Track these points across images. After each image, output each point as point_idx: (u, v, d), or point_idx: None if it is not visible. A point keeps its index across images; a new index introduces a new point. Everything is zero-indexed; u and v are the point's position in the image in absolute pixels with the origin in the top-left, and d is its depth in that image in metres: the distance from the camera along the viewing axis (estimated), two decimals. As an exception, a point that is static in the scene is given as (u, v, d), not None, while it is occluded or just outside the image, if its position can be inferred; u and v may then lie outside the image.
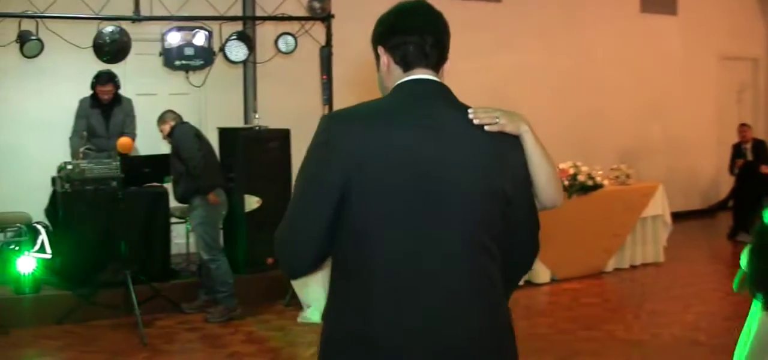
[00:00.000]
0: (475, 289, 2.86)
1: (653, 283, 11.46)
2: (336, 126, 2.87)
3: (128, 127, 10.50)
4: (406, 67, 2.99)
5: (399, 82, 2.99)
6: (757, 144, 14.73)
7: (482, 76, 13.40)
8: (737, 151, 14.87)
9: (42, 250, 9.80)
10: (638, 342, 8.61)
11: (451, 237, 2.83)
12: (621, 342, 8.63)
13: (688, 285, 10.19)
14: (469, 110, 2.90)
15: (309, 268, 2.92)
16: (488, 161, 2.89)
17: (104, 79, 10.22)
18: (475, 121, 2.88)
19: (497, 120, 2.89)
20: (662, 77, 16.72)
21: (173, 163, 9.48)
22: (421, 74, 2.99)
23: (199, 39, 10.40)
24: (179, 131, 9.43)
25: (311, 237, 2.83)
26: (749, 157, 14.56)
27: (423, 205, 2.81)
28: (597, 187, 11.53)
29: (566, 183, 11.26)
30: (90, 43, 9.95)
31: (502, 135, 2.89)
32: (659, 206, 12.38)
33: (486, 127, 2.88)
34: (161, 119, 9.66)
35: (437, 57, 3.03)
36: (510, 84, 14.23)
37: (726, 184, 16.08)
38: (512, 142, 2.93)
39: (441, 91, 3.00)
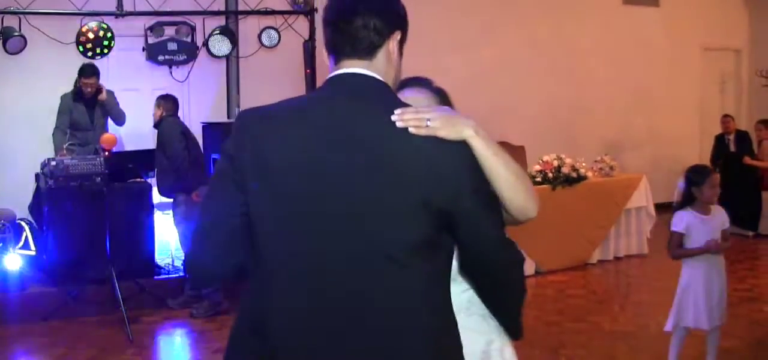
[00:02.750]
0: (380, 309, 2.64)
1: (638, 274, 11.52)
2: (241, 125, 2.78)
3: (115, 114, 10.47)
4: (334, 60, 2.78)
5: (327, 77, 2.79)
6: (740, 135, 14.77)
7: (467, 68, 13.41)
8: (720, 142, 14.91)
9: (27, 247, 9.77)
10: (625, 333, 8.64)
11: (356, 248, 2.62)
12: (608, 333, 8.65)
13: (673, 276, 9.98)
14: (396, 111, 2.58)
15: (212, 276, 2.91)
16: (406, 169, 2.58)
17: (88, 71, 10.20)
18: (399, 124, 2.55)
19: (427, 123, 2.56)
20: (645, 69, 16.75)
21: (157, 156, 9.47)
22: (348, 68, 2.74)
23: (183, 34, 10.38)
24: (166, 125, 9.40)
25: (212, 245, 2.77)
26: (732, 148, 14.59)
27: (326, 213, 2.63)
28: (581, 179, 11.54)
29: (550, 175, 11.28)
30: (73, 38, 9.92)
31: (434, 140, 2.56)
32: (643, 198, 12.43)
33: (412, 130, 2.55)
34: (157, 103, 9.63)
35: (365, 45, 2.73)
36: (493, 76, 14.26)
37: (709, 175, 16.09)
38: (450, 149, 2.57)
39: (365, 88, 2.73)
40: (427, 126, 2.55)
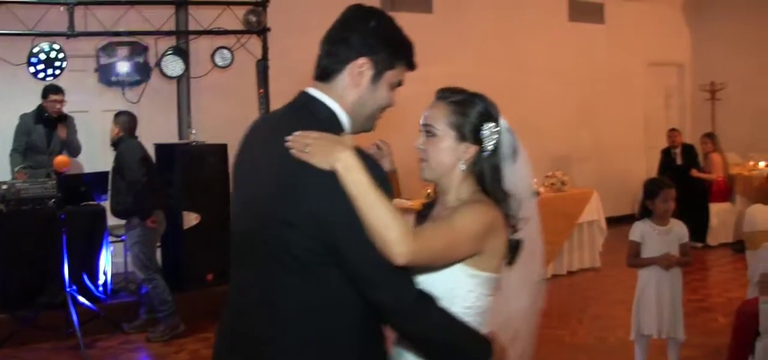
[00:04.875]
0: (248, 307, 2.92)
1: (593, 287, 11.59)
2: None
3: (75, 144, 10.36)
4: None
5: None
6: (687, 148, 14.91)
7: (414, 87, 13.38)
8: (667, 155, 15.04)
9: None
10: (585, 346, 8.72)
11: (247, 254, 2.92)
12: (568, 346, 8.72)
13: (628, 289, 10.11)
14: (294, 134, 2.72)
15: None
16: (272, 188, 2.77)
17: (55, 88, 10.12)
18: (287, 145, 2.70)
19: (307, 148, 2.67)
20: (591, 84, 16.90)
21: (113, 177, 9.34)
22: (308, 89, 2.95)
23: (135, 55, 10.29)
24: (126, 149, 9.25)
25: None
26: (679, 161, 14.73)
27: (239, 218, 3.00)
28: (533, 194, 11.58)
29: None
30: (24, 59, 9.81)
31: (307, 166, 2.66)
32: (594, 212, 12.54)
33: (294, 154, 2.68)
34: (115, 120, 9.45)
35: (322, 70, 2.94)
36: (441, 94, 14.27)
37: (656, 188, 16.22)
38: (320, 176, 2.65)
39: (296, 107, 2.95)
40: (305, 151, 2.68)
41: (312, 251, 2.71)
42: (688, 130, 17.77)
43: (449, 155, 3.14)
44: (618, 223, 14.23)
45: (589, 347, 8.68)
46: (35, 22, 10.08)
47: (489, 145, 3.14)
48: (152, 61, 10.57)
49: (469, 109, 3.16)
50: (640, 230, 7.03)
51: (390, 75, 2.96)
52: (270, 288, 2.81)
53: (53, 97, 10.11)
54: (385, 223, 2.62)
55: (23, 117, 10.25)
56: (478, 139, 3.13)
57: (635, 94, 17.97)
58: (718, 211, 14.39)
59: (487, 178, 3.14)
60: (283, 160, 2.71)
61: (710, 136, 14.88)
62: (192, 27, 11.34)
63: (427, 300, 2.85)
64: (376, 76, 2.93)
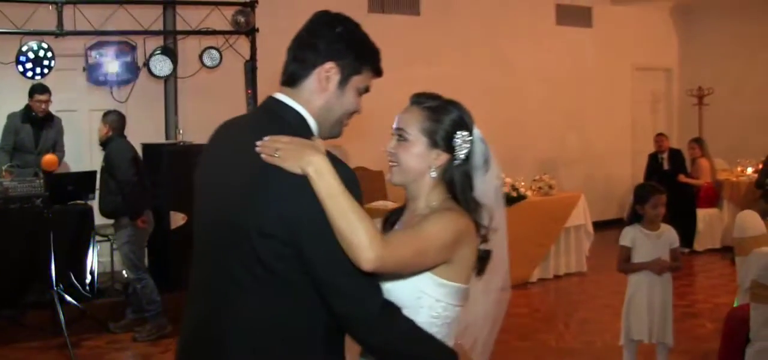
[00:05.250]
0: (210, 308, 2.90)
1: (579, 292, 11.62)
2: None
3: (59, 146, 10.35)
4: None
5: None
6: (674, 153, 14.92)
7: (400, 89, 13.34)
8: (654, 160, 15.04)
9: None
10: (572, 350, 8.73)
11: (210, 257, 2.93)
12: (555, 351, 8.73)
13: (614, 293, 10.21)
14: (265, 138, 2.72)
15: None
16: (239, 192, 2.77)
17: (40, 88, 10.10)
18: (257, 149, 2.70)
19: (278, 152, 2.67)
20: (578, 88, 16.91)
21: (103, 177, 9.28)
22: (275, 93, 2.97)
23: (124, 54, 10.26)
24: (116, 149, 9.19)
25: None
26: (666, 166, 14.74)
27: (203, 221, 3.02)
28: (521, 198, 11.62)
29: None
30: (12, 58, 9.77)
31: (277, 170, 2.66)
32: (581, 216, 12.53)
33: (264, 158, 2.68)
34: (104, 119, 9.36)
35: (289, 75, 2.95)
36: (429, 97, 14.26)
37: (642, 192, 16.22)
38: (290, 180, 2.65)
39: (265, 112, 2.97)
40: (275, 156, 2.67)
41: (280, 257, 2.70)
42: (675, 135, 17.80)
43: (420, 161, 3.12)
44: (604, 227, 14.29)
45: (576, 352, 8.69)
46: (24, 21, 10.05)
47: (460, 154, 3.12)
48: (140, 61, 10.53)
49: (443, 116, 3.14)
50: (630, 235, 7.04)
51: (356, 80, 2.97)
52: (233, 294, 2.80)
53: (39, 97, 10.11)
54: (355, 228, 2.60)
55: (11, 116, 10.24)
56: (450, 147, 3.11)
57: (622, 98, 18.03)
58: (705, 216, 14.40)
59: (458, 186, 3.12)
60: (252, 164, 2.71)
61: (698, 141, 14.90)
62: (180, 27, 11.33)
63: (392, 310, 2.84)
64: (343, 81, 2.93)
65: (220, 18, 11.03)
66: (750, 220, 7.74)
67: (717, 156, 15.32)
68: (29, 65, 9.92)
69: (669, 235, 7.00)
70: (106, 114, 9.40)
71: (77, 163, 10.74)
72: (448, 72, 14.56)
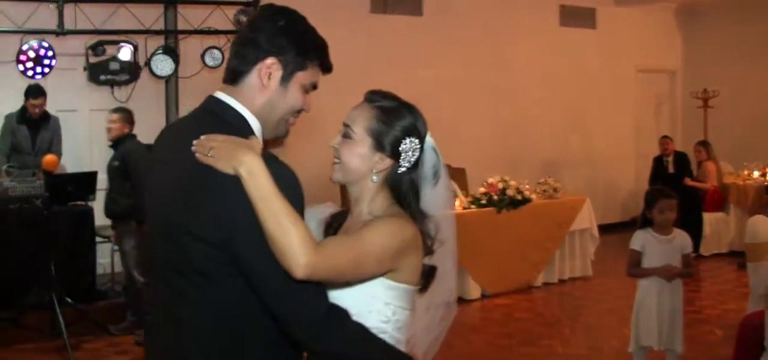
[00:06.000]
0: (159, 320, 2.86)
1: (584, 296, 11.50)
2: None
3: (55, 146, 10.26)
4: None
5: None
6: (679, 157, 14.81)
7: (403, 89, 13.24)
8: (659, 164, 14.93)
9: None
10: (579, 356, 8.64)
11: (156, 261, 2.87)
12: (561, 357, 8.65)
13: (620, 298, 10.19)
14: (201, 138, 2.63)
15: None
16: (174, 194, 2.70)
17: (35, 92, 10.00)
18: (192, 149, 2.61)
19: (211, 152, 2.58)
20: (581, 90, 16.82)
21: (115, 177, 9.15)
22: (216, 92, 2.87)
23: (125, 53, 10.16)
24: (135, 148, 9.07)
25: None
26: (671, 169, 14.63)
27: (151, 228, 2.93)
28: (526, 201, 11.53)
29: (495, 198, 11.25)
30: (12, 57, 9.67)
31: (210, 170, 2.57)
32: (586, 220, 12.44)
33: (198, 157, 2.60)
34: (118, 116, 9.26)
35: (229, 71, 2.86)
36: (431, 98, 14.13)
37: (646, 196, 16.10)
38: (222, 181, 2.56)
39: (204, 111, 2.87)
40: (209, 155, 2.58)
41: (214, 259, 2.61)
42: (680, 138, 17.67)
43: (362, 162, 2.96)
44: (607, 231, 14.17)
45: (583, 358, 8.61)
46: (24, 20, 9.94)
47: (405, 162, 2.96)
48: (142, 60, 10.41)
49: (394, 120, 2.97)
50: (641, 239, 6.93)
51: (301, 76, 2.85)
52: (174, 300, 2.73)
53: (33, 100, 10.09)
54: (286, 233, 2.49)
55: (7, 117, 10.22)
56: (395, 153, 2.95)
57: (626, 100, 17.91)
58: (711, 220, 14.29)
59: (403, 194, 2.98)
60: (187, 165, 2.62)
61: (704, 144, 14.81)
62: (182, 26, 11.18)
63: (338, 314, 2.73)
64: (286, 78, 2.82)
65: (222, 17, 10.91)
66: (762, 225, 7.64)
67: (722, 159, 15.24)
68: (30, 64, 9.80)
69: (681, 240, 6.92)
70: (119, 111, 9.28)
71: (76, 163, 10.63)
72: (450, 73, 14.55)
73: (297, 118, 2.95)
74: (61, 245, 9.42)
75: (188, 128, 2.78)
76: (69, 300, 9.18)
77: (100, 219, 9.73)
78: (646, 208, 6.93)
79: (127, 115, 9.25)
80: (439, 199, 3.05)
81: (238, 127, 2.74)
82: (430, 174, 3.02)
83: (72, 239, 9.78)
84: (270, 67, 2.79)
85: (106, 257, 10.90)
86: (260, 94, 2.80)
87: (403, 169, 2.96)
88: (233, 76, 2.83)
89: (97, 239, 10.30)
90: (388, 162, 2.95)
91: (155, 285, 2.90)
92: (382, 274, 2.82)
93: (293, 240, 2.49)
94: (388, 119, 2.96)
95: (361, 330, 2.77)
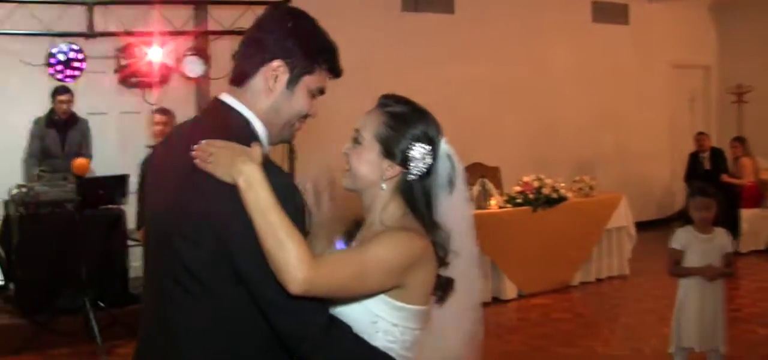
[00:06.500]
0: (154, 328, 2.74)
1: (622, 296, 11.35)
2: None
3: (85, 149, 10.21)
4: None
5: None
6: (715, 153, 14.69)
7: (435, 88, 13.22)
8: (695, 160, 14.81)
9: (-7, 277, 9.49)
10: (619, 357, 8.50)
11: (153, 274, 2.78)
12: (601, 357, 8.52)
13: (659, 297, 10.04)
14: (201, 143, 2.55)
15: None
16: (173, 196, 2.62)
17: (63, 88, 9.97)
18: (192, 154, 2.53)
19: (211, 158, 2.51)
20: (615, 86, 16.69)
21: None
22: (221, 94, 2.79)
23: (156, 55, 10.08)
24: None
25: None
26: (707, 166, 14.50)
27: (150, 234, 2.82)
28: (561, 199, 11.38)
29: (531, 196, 11.12)
30: (43, 60, 9.61)
31: (209, 176, 2.50)
32: (623, 217, 12.29)
33: (198, 164, 2.52)
34: (164, 115, 9.18)
35: (235, 73, 2.77)
36: (463, 96, 14.06)
37: (681, 193, 15.93)
38: (221, 188, 2.49)
39: (208, 114, 2.84)
40: (209, 162, 2.52)
41: (212, 269, 2.54)
42: (714, 134, 17.49)
43: (370, 169, 2.86)
44: (642, 228, 13.99)
45: (623, 358, 8.46)
46: (54, 22, 9.89)
47: (415, 170, 2.83)
48: (172, 62, 10.34)
49: (404, 126, 2.85)
50: (682, 238, 6.80)
51: (308, 80, 2.76)
52: (170, 311, 2.63)
53: (60, 97, 10.04)
54: (282, 246, 2.41)
55: (36, 121, 10.17)
56: (405, 160, 2.83)
57: (660, 96, 17.74)
58: (748, 217, 14.13)
59: (416, 203, 2.85)
60: (186, 170, 2.54)
61: (740, 140, 14.69)
62: (212, 27, 11.13)
63: (339, 328, 2.64)
64: (292, 81, 2.73)
65: (253, 18, 10.76)
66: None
67: (757, 155, 15.07)
68: (59, 67, 9.77)
69: (721, 239, 6.81)
70: (166, 111, 9.19)
71: (105, 166, 10.55)
72: (482, 71, 14.43)
73: (303, 123, 2.86)
74: (93, 249, 9.32)
75: (190, 131, 2.73)
76: (101, 304, 9.13)
77: (132, 222, 9.65)
78: (687, 204, 6.84)
79: (173, 116, 9.15)
80: (455, 210, 2.92)
81: (242, 132, 2.66)
82: (444, 182, 2.90)
83: (104, 243, 9.68)
84: (276, 69, 2.71)
85: (138, 261, 10.80)
86: (265, 97, 2.73)
87: (414, 177, 2.85)
88: (239, 78, 2.75)
89: (129, 243, 10.22)
90: (397, 169, 2.84)
91: (149, 293, 2.82)
92: (389, 289, 2.70)
93: (289, 255, 2.41)
94: (397, 125, 2.85)
95: (362, 345, 2.68)
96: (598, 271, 12.10)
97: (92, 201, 9.60)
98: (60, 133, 10.12)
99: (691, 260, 6.72)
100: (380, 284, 2.67)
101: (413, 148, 2.82)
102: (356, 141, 2.89)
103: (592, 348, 8.77)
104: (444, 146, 2.90)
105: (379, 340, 2.72)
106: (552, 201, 11.26)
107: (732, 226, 13.53)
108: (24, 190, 9.20)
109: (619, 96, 16.82)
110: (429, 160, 2.84)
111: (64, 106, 10.06)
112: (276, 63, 2.69)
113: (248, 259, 2.48)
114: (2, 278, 9.58)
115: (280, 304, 2.49)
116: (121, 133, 10.87)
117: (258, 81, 2.71)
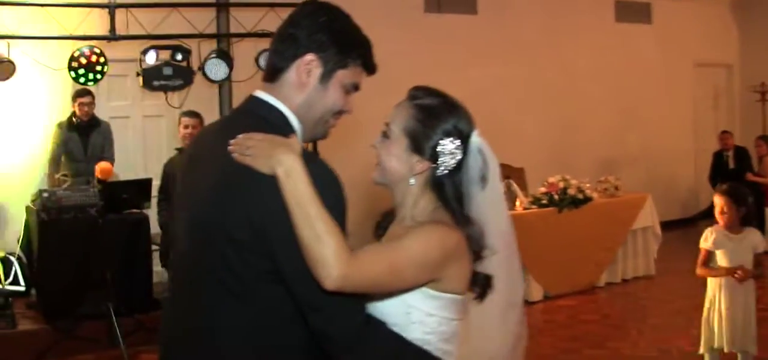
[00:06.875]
0: (184, 331, 2.71)
1: (649, 296, 11.24)
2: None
3: (107, 152, 10.19)
4: None
5: None
6: (740, 151, 14.61)
7: (458, 88, 13.09)
8: (719, 159, 14.73)
9: (15, 282, 9.42)
10: (647, 359, 8.41)
11: (188, 275, 2.71)
12: (629, 359, 8.43)
13: (686, 297, 9.95)
14: (238, 137, 2.52)
15: None
16: (210, 193, 2.57)
17: (83, 91, 9.99)
18: (229, 148, 2.50)
19: (249, 150, 2.47)
20: (638, 86, 16.62)
21: None
22: (256, 90, 2.76)
23: (178, 58, 10.03)
24: None
25: None
26: (731, 165, 14.40)
27: (182, 238, 2.77)
28: (587, 200, 11.30)
29: (556, 197, 11.04)
30: (64, 64, 9.58)
31: (248, 171, 2.47)
32: (649, 218, 12.22)
33: (236, 157, 2.48)
34: (197, 122, 9.06)
35: (268, 68, 2.76)
36: (486, 97, 13.99)
37: (706, 192, 15.87)
38: (262, 182, 2.45)
39: (243, 111, 2.77)
40: (247, 155, 2.48)
41: (252, 266, 2.50)
42: (738, 133, 17.34)
43: (398, 164, 2.82)
44: (667, 228, 13.87)
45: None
46: (76, 26, 9.85)
47: (444, 165, 2.78)
48: (195, 65, 10.29)
49: (433, 120, 2.80)
50: (711, 237, 6.73)
51: (342, 75, 2.72)
52: (208, 311, 2.59)
53: (81, 100, 10.04)
54: (319, 240, 2.37)
55: (58, 125, 10.17)
56: (434, 155, 2.78)
57: (683, 95, 17.67)
58: (774, 216, 13.96)
59: (447, 198, 2.79)
60: (224, 165, 2.53)
61: (765, 139, 14.57)
62: (235, 29, 11.06)
63: (375, 326, 2.60)
64: (326, 76, 2.70)
65: (276, 20, 10.71)
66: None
67: (782, 153, 14.92)
68: (81, 71, 9.71)
69: (752, 238, 6.75)
70: (195, 114, 9.11)
71: (128, 170, 10.54)
72: (505, 71, 14.39)
73: (337, 119, 2.82)
74: (116, 254, 9.31)
75: (226, 127, 2.72)
76: (125, 309, 9.06)
77: (156, 227, 9.59)
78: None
79: (201, 119, 9.09)
80: (489, 205, 2.86)
81: (278, 125, 2.64)
82: (476, 177, 2.83)
83: (127, 248, 9.64)
84: (309, 63, 2.68)
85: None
86: (298, 91, 2.69)
87: (444, 172, 2.79)
88: (272, 73, 2.73)
89: (153, 247, 10.17)
90: (426, 164, 2.80)
91: (180, 296, 2.78)
92: (424, 284, 2.65)
93: (326, 249, 2.37)
94: (425, 118, 2.81)
95: (400, 343, 2.64)
96: (624, 271, 12.01)
97: (115, 205, 9.57)
98: (82, 136, 10.10)
99: (721, 260, 6.67)
100: (415, 279, 2.63)
101: (442, 142, 2.77)
102: (385, 134, 2.85)
103: (620, 350, 8.69)
104: (476, 140, 2.85)
105: (414, 331, 2.67)
106: (577, 202, 11.18)
107: (758, 224, 13.43)
108: (46, 194, 9.14)
109: (643, 95, 16.74)
110: (458, 156, 2.79)
111: (86, 109, 10.04)
112: (309, 57, 2.66)
113: (285, 254, 2.44)
114: (25, 284, 9.52)
115: (316, 302, 2.46)
116: (143, 136, 10.82)
117: (291, 75, 2.68)
